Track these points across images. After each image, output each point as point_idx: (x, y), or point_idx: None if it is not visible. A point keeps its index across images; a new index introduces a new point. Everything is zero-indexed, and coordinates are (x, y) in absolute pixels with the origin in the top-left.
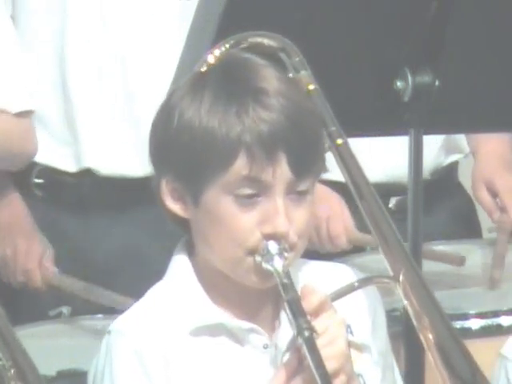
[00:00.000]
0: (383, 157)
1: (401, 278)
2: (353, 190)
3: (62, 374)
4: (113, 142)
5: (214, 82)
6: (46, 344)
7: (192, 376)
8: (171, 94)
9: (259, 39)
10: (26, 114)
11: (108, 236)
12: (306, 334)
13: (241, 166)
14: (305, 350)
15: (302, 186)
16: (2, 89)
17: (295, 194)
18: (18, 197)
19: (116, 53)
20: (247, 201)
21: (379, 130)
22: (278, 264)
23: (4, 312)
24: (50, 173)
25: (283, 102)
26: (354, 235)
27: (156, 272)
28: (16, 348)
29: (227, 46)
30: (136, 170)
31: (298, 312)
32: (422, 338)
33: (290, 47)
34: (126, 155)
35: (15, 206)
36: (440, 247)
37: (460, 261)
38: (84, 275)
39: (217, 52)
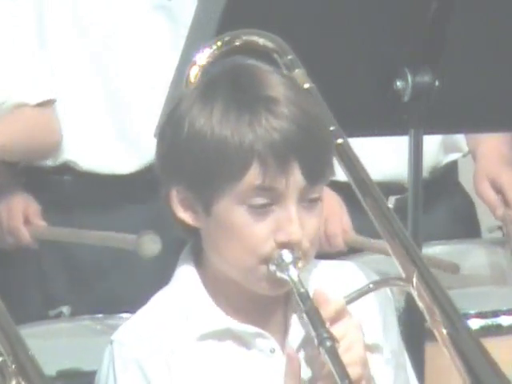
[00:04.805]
0: (381, 156)
1: (414, 279)
2: (357, 189)
3: (62, 374)
4: (94, 136)
5: (223, 90)
6: (46, 344)
7: (199, 381)
8: (178, 103)
9: (250, 38)
10: (46, 104)
11: None
12: (328, 343)
13: (254, 175)
14: (327, 359)
15: (314, 194)
16: (19, 82)
17: (307, 201)
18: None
19: (100, 44)
20: (260, 210)
21: (379, 130)
22: (294, 273)
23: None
24: (32, 171)
25: (293, 110)
26: (351, 237)
27: (142, 270)
28: (17, 343)
29: (216, 46)
30: (121, 167)
31: (317, 322)
32: (437, 336)
33: (281, 45)
34: (109, 151)
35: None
36: (437, 249)
37: (454, 268)
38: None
39: (207, 51)
